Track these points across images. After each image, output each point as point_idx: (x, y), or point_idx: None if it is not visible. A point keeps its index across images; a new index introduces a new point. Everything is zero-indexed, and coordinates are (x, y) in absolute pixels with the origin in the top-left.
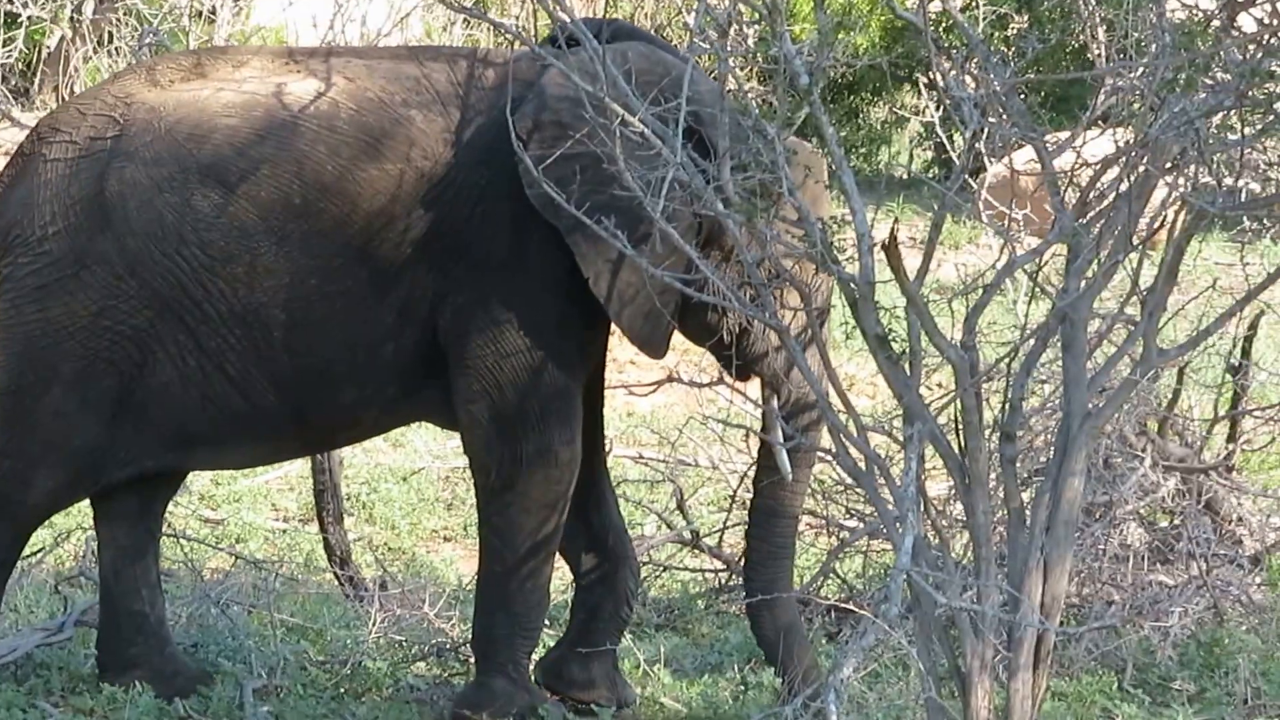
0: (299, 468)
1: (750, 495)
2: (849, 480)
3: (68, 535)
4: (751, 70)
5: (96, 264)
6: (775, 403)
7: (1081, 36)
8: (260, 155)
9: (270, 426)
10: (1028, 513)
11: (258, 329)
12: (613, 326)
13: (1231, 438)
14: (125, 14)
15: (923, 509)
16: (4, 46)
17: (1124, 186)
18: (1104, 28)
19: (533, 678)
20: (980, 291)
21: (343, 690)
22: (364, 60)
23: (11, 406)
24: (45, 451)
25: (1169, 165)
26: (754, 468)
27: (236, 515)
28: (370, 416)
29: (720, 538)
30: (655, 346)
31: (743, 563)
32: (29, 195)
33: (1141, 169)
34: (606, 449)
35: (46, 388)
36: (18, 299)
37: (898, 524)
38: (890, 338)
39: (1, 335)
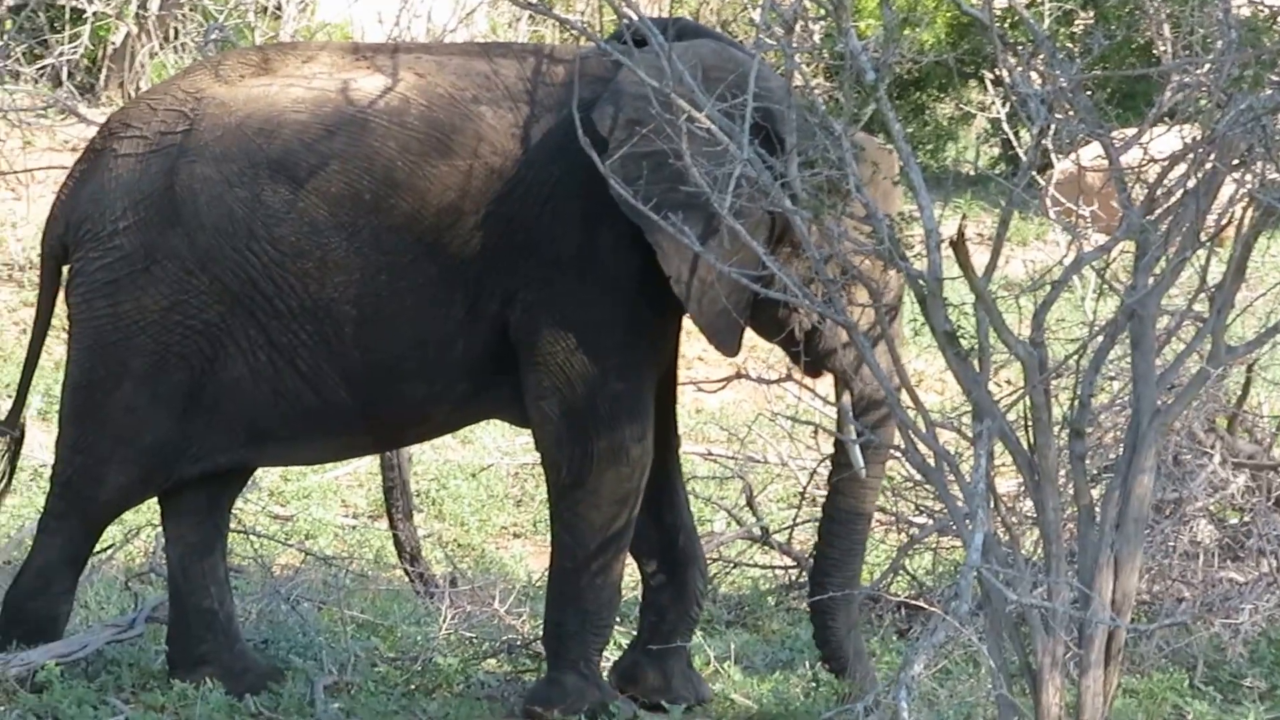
0: (368, 464)
1: (820, 492)
2: (918, 477)
3: (138, 531)
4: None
5: (167, 259)
6: (846, 399)
7: (1147, 33)
8: (330, 150)
9: (341, 422)
10: (1097, 509)
11: (329, 324)
12: (683, 323)
13: None
14: (191, 10)
15: (992, 506)
16: (69, 43)
17: (1191, 183)
18: (1170, 24)
19: (607, 681)
20: (1048, 288)
21: (413, 687)
22: (434, 56)
23: (83, 402)
24: (116, 447)
25: (1236, 161)
26: (825, 464)
27: (306, 511)
28: (441, 413)
29: (790, 534)
30: (728, 343)
31: (813, 560)
32: (100, 190)
33: (1209, 165)
34: (679, 447)
35: (117, 383)
36: (88, 294)
37: (967, 520)
38: (959, 334)
39: (72, 330)
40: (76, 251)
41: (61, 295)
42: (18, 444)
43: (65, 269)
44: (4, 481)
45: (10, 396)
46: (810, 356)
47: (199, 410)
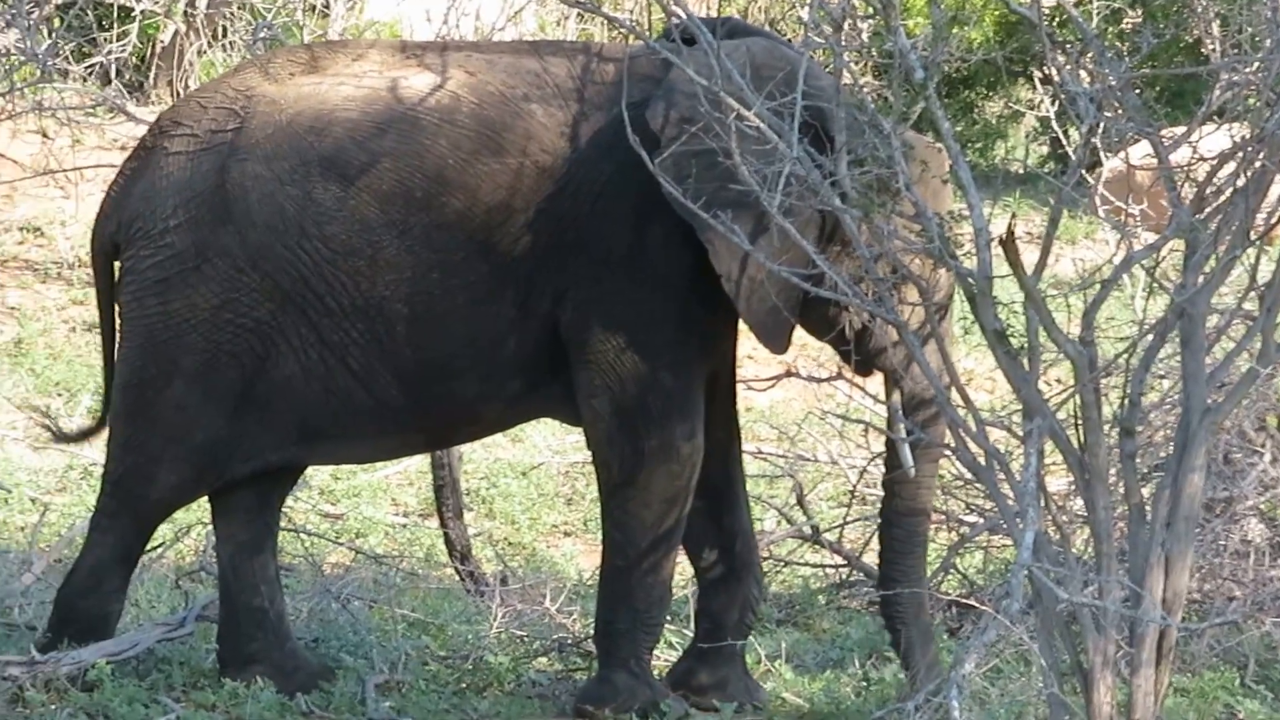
0: (418, 463)
1: (871, 490)
2: (969, 475)
3: (188, 530)
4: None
5: (218, 256)
6: (896, 398)
7: (1196, 31)
8: (381, 148)
9: (392, 421)
10: (1148, 508)
11: (380, 322)
12: (738, 323)
13: None
14: (239, 8)
15: (1043, 504)
16: (118, 41)
17: (1241, 181)
18: (1218, 22)
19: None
20: (1098, 287)
21: (464, 685)
22: (484, 54)
23: (134, 400)
24: (167, 446)
25: None
26: (876, 463)
27: (356, 510)
28: (492, 412)
29: (840, 533)
30: (777, 342)
31: (878, 560)
32: (150, 188)
33: (1258, 164)
34: (740, 449)
35: (168, 381)
36: (139, 292)
37: (1018, 519)
38: (1008, 333)
39: (123, 328)
40: (128, 249)
41: None
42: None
43: (116, 266)
44: None
45: (61, 395)
46: (860, 355)
47: (250, 409)
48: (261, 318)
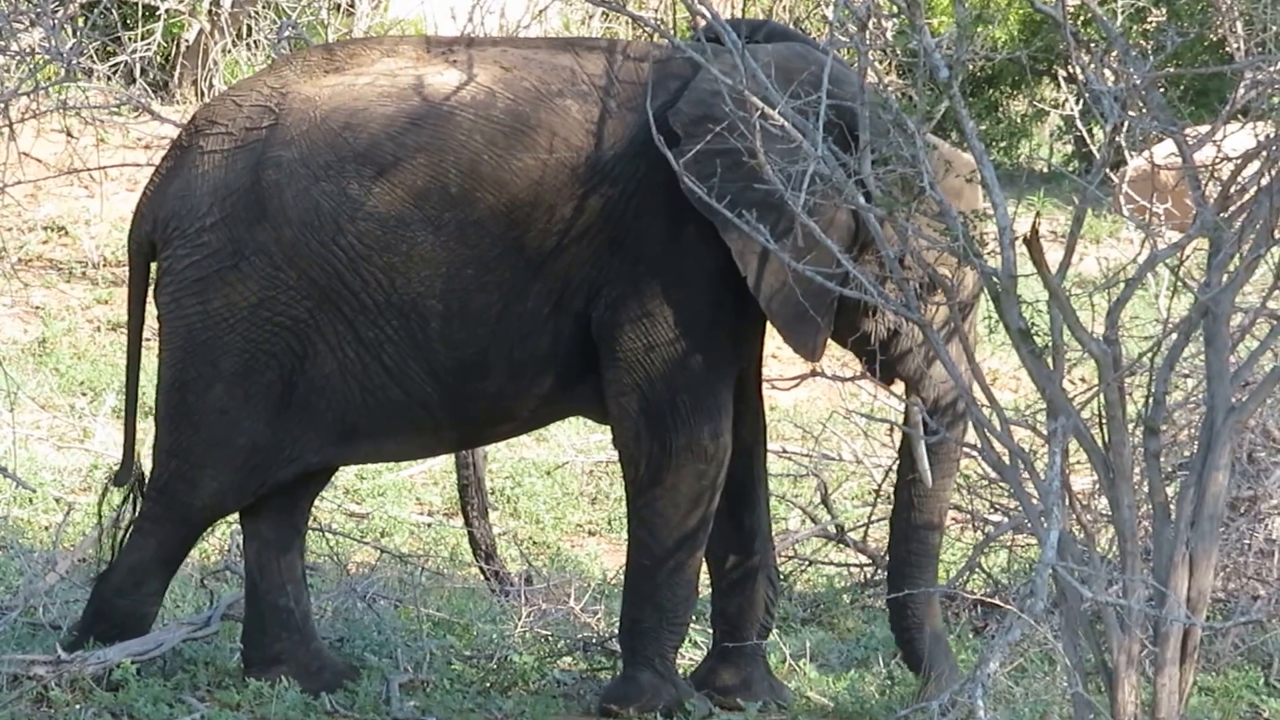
0: (443, 462)
1: (891, 489)
2: (993, 475)
3: (212, 529)
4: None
5: (255, 254)
6: (917, 405)
7: (1220, 30)
8: (416, 144)
9: (428, 418)
10: (1172, 507)
11: (415, 319)
12: (765, 323)
13: None
14: (264, 7)
15: (1067, 503)
16: (142, 40)
17: (1265, 180)
18: (1242, 21)
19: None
20: (1122, 285)
21: (489, 685)
22: (519, 50)
23: (176, 404)
24: (210, 450)
25: None
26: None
27: (381, 509)
28: (525, 409)
29: (865, 532)
30: (807, 345)
31: (888, 571)
32: (186, 187)
33: None
34: (765, 449)
35: (209, 385)
36: (178, 292)
37: (1042, 518)
38: (1033, 332)
39: (163, 331)
40: (165, 249)
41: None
42: (139, 489)
43: (153, 266)
44: (129, 528)
45: (85, 394)
46: (885, 358)
47: (291, 410)
48: (299, 316)
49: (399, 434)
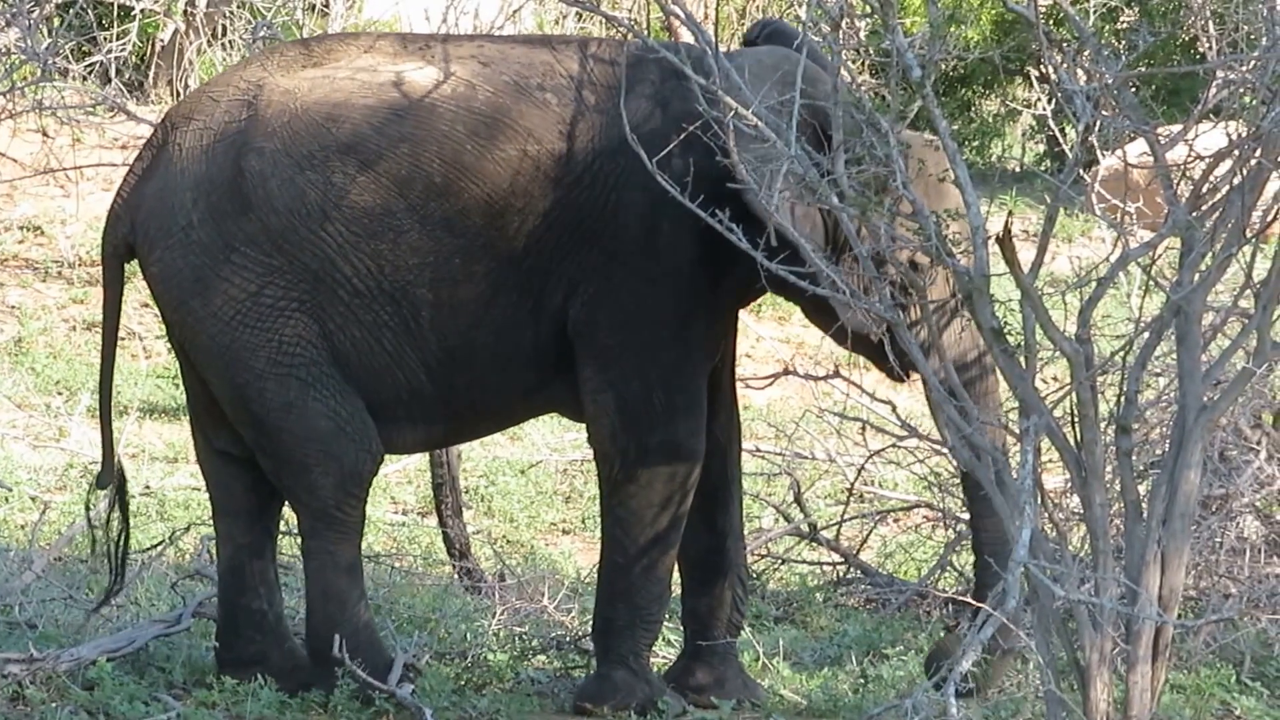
0: (417, 461)
1: (868, 488)
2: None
3: (187, 529)
4: (863, 64)
5: (245, 245)
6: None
7: (1192, 29)
8: (399, 134)
9: (421, 410)
10: (1144, 505)
11: (407, 307)
12: (738, 321)
13: None
14: (239, 7)
15: (1039, 502)
16: (118, 40)
17: (1237, 179)
18: (1214, 20)
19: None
20: (1094, 285)
21: (463, 683)
22: (497, 45)
23: (248, 421)
24: (303, 447)
25: None
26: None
27: None
28: (509, 404)
29: (838, 530)
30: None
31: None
32: (165, 185)
33: (1254, 162)
34: (740, 449)
35: (261, 389)
36: (180, 294)
37: (1015, 517)
38: (1005, 330)
39: (176, 340)
40: (151, 252)
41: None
42: (121, 491)
43: (140, 267)
44: (121, 532)
45: (61, 393)
46: (896, 355)
47: (342, 380)
48: (301, 297)
49: (398, 424)
